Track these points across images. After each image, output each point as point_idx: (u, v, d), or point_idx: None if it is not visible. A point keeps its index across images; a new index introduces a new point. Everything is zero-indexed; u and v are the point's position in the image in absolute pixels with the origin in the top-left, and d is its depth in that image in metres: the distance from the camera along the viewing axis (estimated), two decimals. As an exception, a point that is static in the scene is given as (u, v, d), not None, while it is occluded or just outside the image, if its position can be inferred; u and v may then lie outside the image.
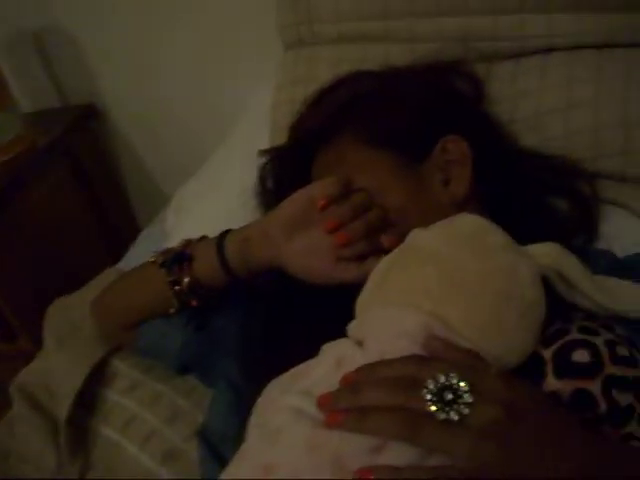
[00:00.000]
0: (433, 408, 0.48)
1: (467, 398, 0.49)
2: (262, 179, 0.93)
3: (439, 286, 0.57)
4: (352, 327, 0.61)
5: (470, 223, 0.63)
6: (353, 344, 0.58)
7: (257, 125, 1.10)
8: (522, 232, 0.65)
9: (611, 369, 0.56)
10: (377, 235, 0.71)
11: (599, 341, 0.58)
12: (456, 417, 0.48)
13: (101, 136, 1.71)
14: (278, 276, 0.76)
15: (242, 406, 0.65)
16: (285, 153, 0.91)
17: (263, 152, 0.96)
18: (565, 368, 0.57)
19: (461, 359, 0.54)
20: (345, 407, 0.51)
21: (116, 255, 1.21)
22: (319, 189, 0.72)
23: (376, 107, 0.81)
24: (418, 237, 0.63)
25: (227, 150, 1.17)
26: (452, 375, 0.50)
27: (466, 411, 0.48)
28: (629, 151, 0.88)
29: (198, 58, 1.47)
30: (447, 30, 0.99)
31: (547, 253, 0.62)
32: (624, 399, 0.55)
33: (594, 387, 0.55)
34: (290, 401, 0.54)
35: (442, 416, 0.48)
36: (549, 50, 0.95)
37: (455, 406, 0.48)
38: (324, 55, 1.06)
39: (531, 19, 0.96)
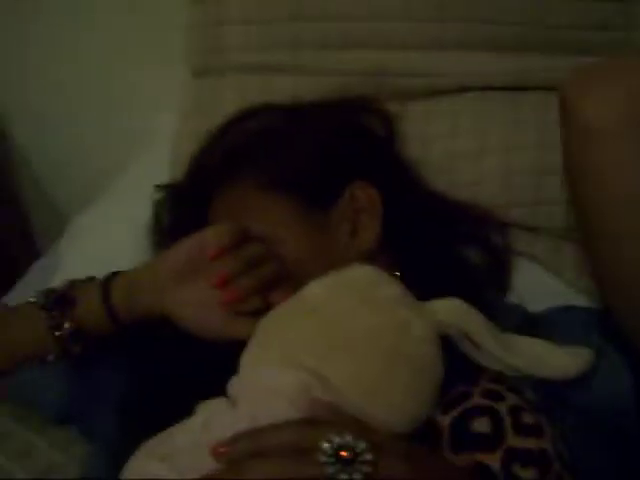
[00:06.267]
0: (331, 470, 0.44)
1: (368, 456, 0.45)
2: (157, 216, 0.89)
3: (323, 342, 0.55)
4: (231, 384, 0.57)
5: (361, 274, 0.60)
6: (227, 404, 0.55)
7: (158, 156, 1.06)
8: (430, 284, 0.63)
9: (513, 440, 0.53)
10: (273, 289, 0.67)
11: (503, 407, 0.55)
12: (359, 476, 0.44)
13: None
14: (165, 325, 0.71)
15: (118, 462, 0.60)
16: (182, 190, 0.87)
17: (159, 187, 0.92)
18: (463, 440, 0.54)
19: (350, 422, 0.50)
20: None
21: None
22: (211, 236, 0.68)
23: (280, 149, 0.79)
24: (306, 289, 0.60)
25: (125, 181, 1.13)
26: (347, 435, 0.46)
27: (369, 469, 0.44)
28: (540, 201, 0.88)
29: (104, 78, 1.39)
30: (360, 64, 0.97)
31: (449, 309, 0.59)
32: (527, 474, 0.52)
33: (493, 462, 0.52)
34: (150, 468, 0.52)
35: (343, 477, 0.44)
36: (462, 91, 0.95)
37: (356, 465, 0.44)
38: (232, 84, 1.03)
39: (445, 56, 0.95)
